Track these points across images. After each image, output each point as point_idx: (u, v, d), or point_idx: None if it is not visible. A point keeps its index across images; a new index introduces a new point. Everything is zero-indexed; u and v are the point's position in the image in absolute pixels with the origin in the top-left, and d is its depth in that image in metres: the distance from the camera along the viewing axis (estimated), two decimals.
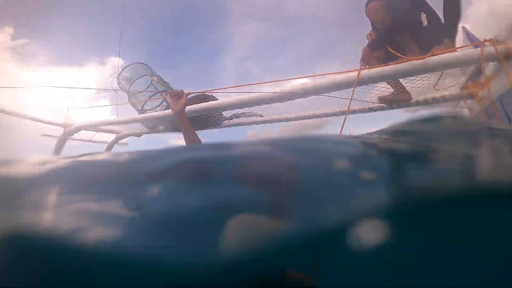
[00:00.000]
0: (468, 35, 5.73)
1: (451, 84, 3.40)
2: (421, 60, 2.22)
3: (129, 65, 3.77)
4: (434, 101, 3.22)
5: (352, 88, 2.34)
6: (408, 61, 2.28)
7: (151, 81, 3.54)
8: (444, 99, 3.26)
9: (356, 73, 2.37)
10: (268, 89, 2.62)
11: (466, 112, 3.87)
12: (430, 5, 2.58)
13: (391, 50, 2.41)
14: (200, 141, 2.19)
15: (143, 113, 3.39)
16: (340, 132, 2.26)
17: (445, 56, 2.23)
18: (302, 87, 2.46)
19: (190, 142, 2.18)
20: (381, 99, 2.92)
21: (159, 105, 3.41)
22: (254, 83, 2.66)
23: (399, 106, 3.05)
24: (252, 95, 2.58)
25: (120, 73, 3.71)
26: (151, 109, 3.44)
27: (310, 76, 2.57)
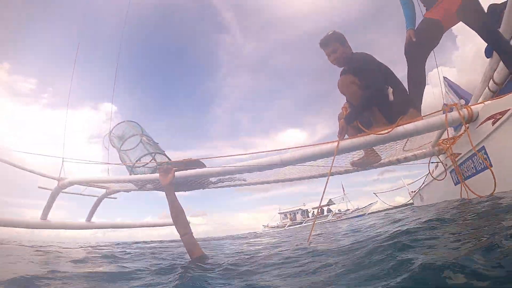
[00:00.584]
0: (450, 86, 6.09)
1: (424, 142, 3.62)
2: (386, 133, 2.47)
3: (121, 122, 3.95)
4: (406, 160, 3.46)
5: (332, 158, 2.56)
6: (375, 134, 2.50)
7: (140, 140, 3.70)
8: (416, 157, 3.49)
9: (332, 144, 2.62)
10: (256, 147, 2.83)
11: (440, 167, 4.09)
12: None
13: (360, 125, 2.65)
14: (182, 211, 2.42)
15: (133, 172, 3.53)
16: (323, 194, 2.48)
17: (410, 126, 2.46)
18: (280, 159, 2.66)
19: (173, 212, 2.45)
20: (354, 164, 3.12)
21: (147, 164, 3.55)
22: (239, 153, 2.85)
23: (371, 167, 3.27)
24: (236, 166, 2.76)
25: (111, 130, 3.88)
26: (140, 166, 3.58)
27: (291, 148, 2.77)
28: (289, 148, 2.76)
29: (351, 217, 27.69)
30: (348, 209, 29.92)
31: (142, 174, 3.36)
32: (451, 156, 3.41)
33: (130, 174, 3.53)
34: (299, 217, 34.66)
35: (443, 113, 2.47)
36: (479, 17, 2.34)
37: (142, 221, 4.85)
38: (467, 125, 2.44)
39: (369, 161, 3.07)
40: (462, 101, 2.54)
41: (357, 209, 29.30)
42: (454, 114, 2.38)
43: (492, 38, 2.38)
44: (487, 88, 3.51)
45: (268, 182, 3.58)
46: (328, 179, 2.67)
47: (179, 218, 2.42)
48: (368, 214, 30.11)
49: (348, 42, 2.83)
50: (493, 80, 3.34)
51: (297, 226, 30.51)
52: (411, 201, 8.29)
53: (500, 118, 2.13)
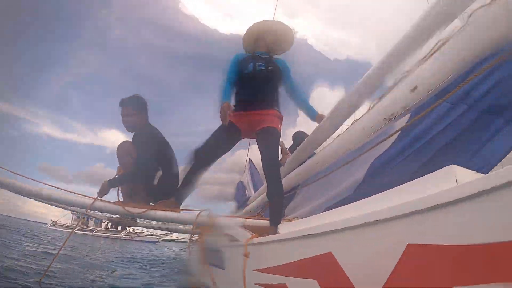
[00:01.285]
0: (251, 166, 6.97)
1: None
2: (144, 211, 2.44)
3: None
4: (173, 231, 3.57)
5: None
6: (125, 209, 2.46)
7: None
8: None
9: (85, 200, 2.41)
10: None
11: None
12: None
13: (123, 196, 2.66)
14: None
15: None
16: None
17: (161, 213, 2.47)
18: None
19: None
20: (110, 220, 2.99)
21: None
22: None
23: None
24: None
25: None
26: None
27: None
28: None
29: (143, 240, 26.45)
30: (142, 232, 27.50)
31: None
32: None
33: None
34: (91, 224, 30.91)
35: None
36: (270, 152, 2.35)
37: None
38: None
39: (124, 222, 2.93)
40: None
41: (152, 234, 27.30)
42: (200, 219, 2.53)
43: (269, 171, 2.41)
44: (261, 198, 4.05)
45: None
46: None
47: None
48: (162, 241, 29.58)
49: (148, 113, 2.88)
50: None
51: (87, 233, 27.09)
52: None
53: None
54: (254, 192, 6.68)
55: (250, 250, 1.76)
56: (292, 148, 3.75)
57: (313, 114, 2.56)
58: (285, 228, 1.52)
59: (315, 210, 2.62)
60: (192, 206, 2.66)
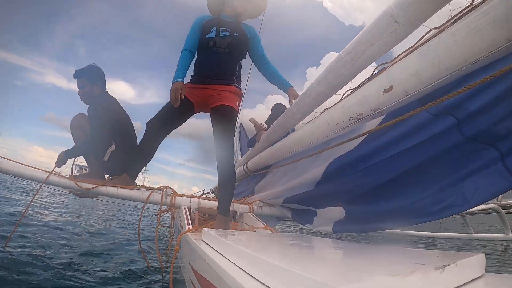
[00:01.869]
0: (241, 131, 6.78)
1: None
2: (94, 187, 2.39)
3: None
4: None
5: None
6: (76, 184, 2.41)
7: None
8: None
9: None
10: None
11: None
12: None
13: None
14: None
15: None
16: None
17: (113, 189, 2.41)
18: None
19: None
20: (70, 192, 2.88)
21: None
22: None
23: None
24: None
25: None
26: None
27: None
28: None
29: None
30: None
31: None
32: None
33: None
34: None
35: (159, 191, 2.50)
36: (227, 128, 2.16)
37: None
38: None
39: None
40: (170, 190, 2.51)
41: None
42: (157, 196, 2.43)
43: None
44: (242, 168, 3.89)
45: None
46: None
47: None
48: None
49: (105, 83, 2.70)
50: (246, 165, 3.71)
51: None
52: None
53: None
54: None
55: (183, 244, 1.64)
56: (269, 119, 3.51)
57: (285, 87, 2.30)
58: (209, 238, 1.33)
59: (277, 196, 2.46)
60: None
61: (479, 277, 0.80)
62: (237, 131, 6.70)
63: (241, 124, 6.64)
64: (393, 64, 1.18)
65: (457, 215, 5.51)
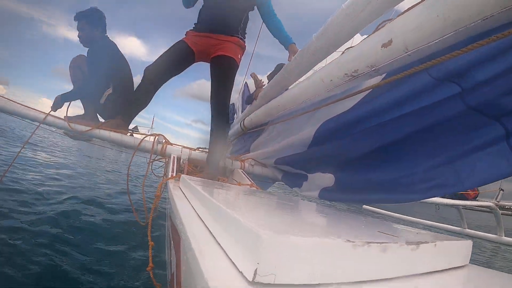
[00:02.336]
0: (244, 90, 6.63)
1: None
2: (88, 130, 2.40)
3: None
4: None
5: None
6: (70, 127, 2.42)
7: None
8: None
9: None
10: None
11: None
12: None
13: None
14: None
15: None
16: None
17: (105, 133, 2.41)
18: None
19: None
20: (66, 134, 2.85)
21: None
22: None
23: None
24: None
25: None
26: None
27: None
28: None
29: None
30: None
31: None
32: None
33: None
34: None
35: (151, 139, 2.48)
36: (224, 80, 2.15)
37: None
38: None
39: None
40: (162, 138, 2.50)
41: None
42: (148, 144, 2.42)
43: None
44: (239, 125, 3.85)
45: None
46: None
47: None
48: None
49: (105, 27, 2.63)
50: (243, 122, 3.66)
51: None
52: None
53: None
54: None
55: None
56: (270, 76, 3.40)
57: (287, 42, 2.22)
58: (184, 184, 1.30)
59: (270, 156, 2.43)
60: None
61: (461, 266, 0.74)
62: (241, 90, 6.57)
63: (245, 82, 6.49)
64: (396, 18, 1.06)
65: (454, 207, 5.42)
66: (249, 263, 0.46)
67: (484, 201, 5.85)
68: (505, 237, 5.30)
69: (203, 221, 0.77)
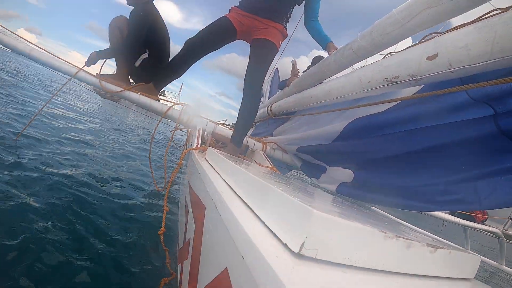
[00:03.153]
0: (275, 76, 6.63)
1: None
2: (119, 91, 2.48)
3: None
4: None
5: None
6: (102, 84, 2.50)
7: None
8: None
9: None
10: None
11: None
12: None
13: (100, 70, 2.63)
14: None
15: None
16: None
17: (135, 96, 2.49)
18: None
19: None
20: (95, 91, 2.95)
21: None
22: None
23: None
24: None
25: None
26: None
27: None
28: None
29: None
30: None
31: None
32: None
33: None
34: None
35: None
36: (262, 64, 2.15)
37: None
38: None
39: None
40: (187, 106, 2.56)
41: None
42: (176, 112, 2.49)
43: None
44: (266, 109, 3.91)
45: None
46: None
47: None
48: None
49: None
50: (270, 107, 3.73)
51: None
52: None
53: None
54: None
55: (187, 160, 1.71)
56: (307, 70, 3.43)
57: (325, 42, 2.25)
58: (211, 156, 1.36)
59: (293, 143, 2.50)
60: None
61: (467, 279, 0.77)
62: (271, 75, 6.57)
63: (276, 68, 6.49)
64: (445, 33, 1.10)
65: (460, 226, 5.36)
66: (296, 236, 0.49)
67: (491, 226, 5.79)
68: (506, 267, 5.25)
69: (236, 193, 0.80)
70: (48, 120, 4.61)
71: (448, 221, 5.07)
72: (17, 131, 3.23)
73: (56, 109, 5.87)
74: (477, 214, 6.25)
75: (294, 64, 3.28)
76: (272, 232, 0.55)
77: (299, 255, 0.47)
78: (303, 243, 0.46)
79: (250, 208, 0.68)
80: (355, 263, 0.52)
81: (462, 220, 5.34)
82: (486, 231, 5.55)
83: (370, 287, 0.49)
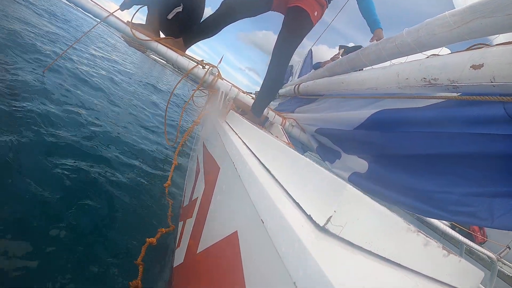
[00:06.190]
0: (307, 57, 6.52)
1: None
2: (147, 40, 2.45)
3: None
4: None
5: None
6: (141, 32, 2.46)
7: None
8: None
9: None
10: None
11: None
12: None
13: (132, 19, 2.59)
14: None
15: None
16: None
17: (162, 48, 2.46)
18: None
19: None
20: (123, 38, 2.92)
21: None
22: None
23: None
24: None
25: None
26: None
27: None
28: None
29: None
30: None
31: None
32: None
33: None
34: None
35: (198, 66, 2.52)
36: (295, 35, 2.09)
37: None
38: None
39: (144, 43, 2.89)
40: (216, 70, 2.53)
41: None
42: (201, 71, 2.46)
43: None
44: (293, 88, 3.89)
45: None
46: None
47: None
48: None
49: None
50: (298, 86, 3.70)
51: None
52: None
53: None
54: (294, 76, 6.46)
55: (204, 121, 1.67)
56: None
57: (374, 26, 2.18)
58: (234, 121, 1.36)
59: (313, 123, 2.49)
60: None
61: None
62: (305, 55, 6.45)
63: (311, 49, 6.36)
64: (495, 46, 1.08)
65: (453, 243, 5.32)
66: (323, 209, 0.46)
67: (488, 250, 5.78)
68: None
69: (257, 158, 0.77)
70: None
71: (448, 234, 5.09)
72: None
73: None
74: (477, 234, 6.23)
75: (341, 51, 3.22)
76: (295, 201, 0.53)
77: (323, 229, 0.45)
78: (330, 217, 0.44)
79: (272, 174, 0.66)
80: (375, 250, 0.50)
81: (461, 237, 5.34)
82: (482, 253, 5.54)
83: (388, 281, 0.48)
